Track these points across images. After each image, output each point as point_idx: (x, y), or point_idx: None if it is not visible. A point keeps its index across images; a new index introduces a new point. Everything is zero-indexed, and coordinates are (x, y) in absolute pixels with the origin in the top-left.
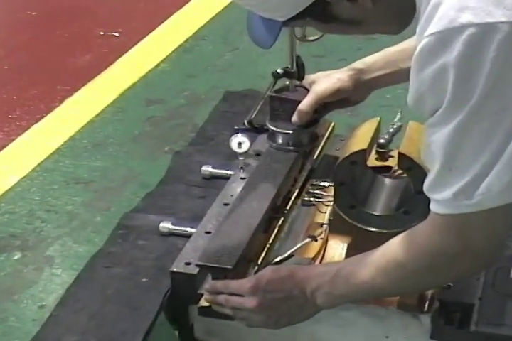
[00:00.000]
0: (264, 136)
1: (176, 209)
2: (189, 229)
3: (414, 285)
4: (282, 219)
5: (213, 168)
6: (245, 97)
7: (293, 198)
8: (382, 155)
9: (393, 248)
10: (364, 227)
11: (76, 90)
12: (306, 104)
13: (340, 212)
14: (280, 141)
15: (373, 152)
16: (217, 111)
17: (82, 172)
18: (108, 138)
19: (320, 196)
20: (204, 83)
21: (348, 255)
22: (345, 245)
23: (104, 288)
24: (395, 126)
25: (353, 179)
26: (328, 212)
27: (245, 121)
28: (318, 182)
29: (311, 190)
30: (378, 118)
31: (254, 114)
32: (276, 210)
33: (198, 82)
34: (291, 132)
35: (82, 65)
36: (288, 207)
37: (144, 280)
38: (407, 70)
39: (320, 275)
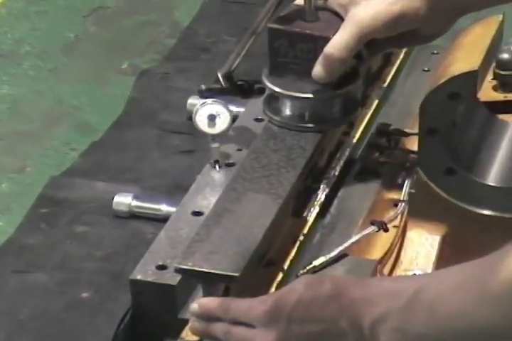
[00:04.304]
0: (257, 103)
1: (141, 173)
2: (164, 208)
3: None
4: (326, 192)
5: None
6: None
7: (345, 156)
8: (506, 83)
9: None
10: (470, 208)
11: None
12: (338, 43)
13: (430, 182)
14: (288, 111)
15: (489, 76)
16: (213, 1)
17: None
18: (22, 46)
19: (393, 153)
20: None
21: (442, 257)
22: (437, 239)
23: (14, 309)
24: None
25: (452, 124)
26: (407, 181)
27: (219, 75)
28: (392, 128)
29: (378, 142)
30: (500, 17)
31: (236, 62)
32: (316, 177)
33: None
34: (310, 96)
35: None
36: (336, 172)
37: (84, 295)
38: None
39: (387, 298)
